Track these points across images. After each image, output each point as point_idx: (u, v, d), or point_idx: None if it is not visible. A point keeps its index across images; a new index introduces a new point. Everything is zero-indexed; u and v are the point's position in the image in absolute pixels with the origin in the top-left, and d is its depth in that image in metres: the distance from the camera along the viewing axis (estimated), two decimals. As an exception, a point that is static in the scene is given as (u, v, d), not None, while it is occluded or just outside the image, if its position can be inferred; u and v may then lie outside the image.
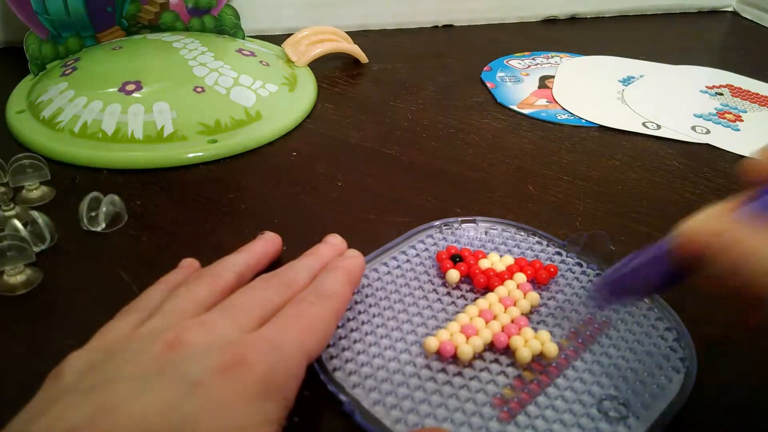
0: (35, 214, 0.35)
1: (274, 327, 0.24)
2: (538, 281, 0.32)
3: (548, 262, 0.33)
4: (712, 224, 0.21)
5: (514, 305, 0.30)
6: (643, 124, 0.51)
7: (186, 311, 0.25)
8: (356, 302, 0.31)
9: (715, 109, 0.54)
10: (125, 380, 0.21)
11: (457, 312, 0.30)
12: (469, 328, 0.28)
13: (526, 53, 0.65)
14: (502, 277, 0.32)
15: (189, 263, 0.32)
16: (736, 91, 0.58)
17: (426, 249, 0.34)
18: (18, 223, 0.34)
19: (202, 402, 0.20)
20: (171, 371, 0.21)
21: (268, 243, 0.32)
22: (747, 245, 0.20)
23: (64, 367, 0.23)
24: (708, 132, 0.50)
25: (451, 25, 0.72)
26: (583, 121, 0.52)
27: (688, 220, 0.21)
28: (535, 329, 0.29)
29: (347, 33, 0.62)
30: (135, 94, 0.45)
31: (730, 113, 0.54)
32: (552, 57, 0.64)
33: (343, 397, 0.26)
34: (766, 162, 0.23)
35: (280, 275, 0.28)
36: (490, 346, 0.28)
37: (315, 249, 0.31)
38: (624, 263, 0.26)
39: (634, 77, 0.60)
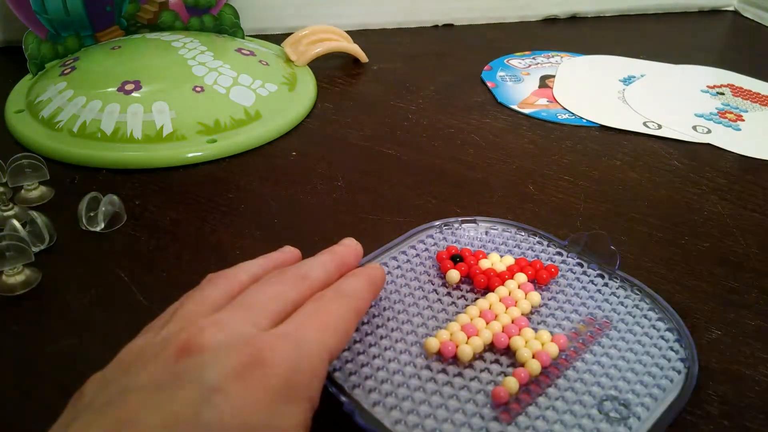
0: (34, 214, 0.35)
1: (293, 324, 0.23)
2: (539, 281, 0.32)
3: (549, 263, 0.33)
4: None
5: (515, 305, 0.30)
6: (644, 123, 0.51)
7: (198, 313, 0.24)
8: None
9: (716, 108, 0.54)
10: (140, 392, 0.20)
11: (458, 312, 0.30)
12: (469, 328, 0.28)
13: (526, 53, 0.65)
14: (502, 278, 0.31)
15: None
16: (737, 91, 0.58)
17: (426, 249, 0.34)
18: (17, 223, 0.34)
19: (223, 409, 0.19)
20: (187, 378, 0.20)
21: (286, 253, 0.30)
22: None
23: (83, 389, 0.22)
24: (709, 132, 0.50)
25: (451, 25, 0.72)
26: (584, 120, 0.51)
27: None
28: (536, 329, 0.29)
29: (347, 32, 0.62)
30: (134, 94, 0.45)
31: (731, 113, 0.54)
32: (552, 56, 0.64)
33: (343, 398, 0.25)
34: None
35: (293, 269, 0.27)
36: (491, 347, 0.28)
37: (330, 248, 0.30)
38: None
39: (635, 77, 0.60)
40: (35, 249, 0.34)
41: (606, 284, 0.32)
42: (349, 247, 0.30)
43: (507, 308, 0.30)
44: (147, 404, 0.20)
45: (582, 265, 0.33)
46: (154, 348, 0.22)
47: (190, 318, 0.24)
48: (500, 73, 0.60)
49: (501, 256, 0.33)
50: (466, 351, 0.27)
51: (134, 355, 0.23)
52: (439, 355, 0.27)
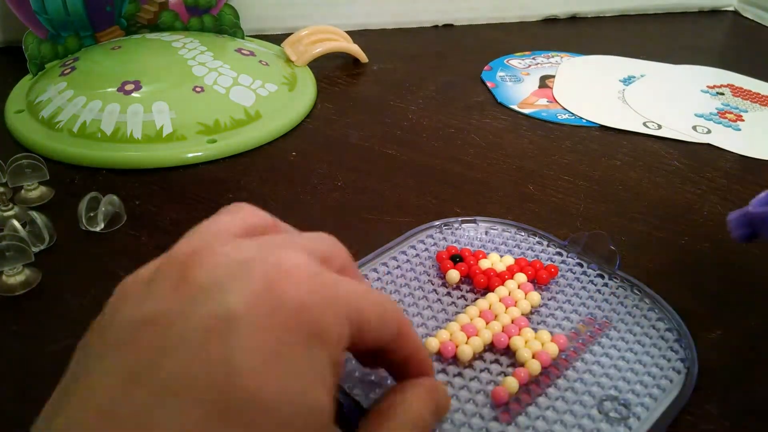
0: (34, 214, 0.35)
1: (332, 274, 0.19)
2: (539, 281, 0.32)
3: (549, 263, 0.33)
4: None
5: (515, 305, 0.30)
6: (644, 123, 0.51)
7: (212, 234, 0.21)
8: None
9: (716, 108, 0.54)
10: (148, 326, 0.17)
11: (458, 312, 0.30)
12: (469, 328, 0.28)
13: (526, 53, 0.65)
14: (502, 278, 0.31)
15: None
16: (737, 91, 0.58)
17: (426, 249, 0.34)
18: (17, 224, 0.34)
19: (245, 346, 0.16)
20: (200, 303, 0.17)
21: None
22: None
23: (88, 335, 0.19)
24: (709, 132, 0.50)
25: (451, 25, 0.72)
26: (584, 120, 0.51)
27: None
28: (536, 329, 0.29)
29: (347, 32, 0.62)
30: (134, 94, 0.45)
31: (731, 113, 0.54)
32: (552, 56, 0.64)
33: (342, 399, 0.25)
34: None
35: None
36: (491, 347, 0.28)
37: None
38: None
39: (634, 77, 0.60)
40: (35, 249, 0.34)
41: (606, 284, 0.32)
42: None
43: (507, 308, 0.30)
44: (159, 346, 0.16)
45: (582, 265, 0.33)
46: (156, 273, 0.19)
47: (202, 237, 0.20)
48: (500, 73, 0.60)
49: (501, 256, 0.33)
50: (466, 351, 0.27)
51: (132, 285, 0.19)
52: (439, 355, 0.28)
